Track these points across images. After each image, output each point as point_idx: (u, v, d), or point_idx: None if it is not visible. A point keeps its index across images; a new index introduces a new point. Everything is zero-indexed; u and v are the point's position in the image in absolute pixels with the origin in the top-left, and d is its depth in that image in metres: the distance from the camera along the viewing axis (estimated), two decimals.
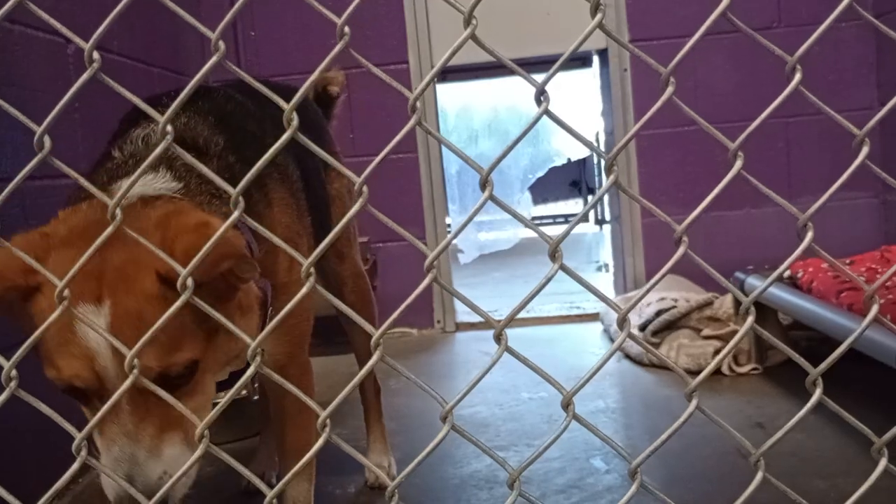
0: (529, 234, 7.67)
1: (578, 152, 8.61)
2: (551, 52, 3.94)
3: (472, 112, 8.54)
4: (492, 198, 0.80)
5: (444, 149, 4.31)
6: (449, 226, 4.65)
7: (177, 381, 1.08)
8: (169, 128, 0.78)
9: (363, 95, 3.99)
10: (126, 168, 1.35)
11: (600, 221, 7.30)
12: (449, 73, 4.84)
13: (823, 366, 0.80)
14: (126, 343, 0.89)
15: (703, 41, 0.80)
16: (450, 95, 7.77)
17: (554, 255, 0.79)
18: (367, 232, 4.00)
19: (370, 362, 0.78)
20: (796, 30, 3.87)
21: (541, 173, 8.54)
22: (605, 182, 0.80)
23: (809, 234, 0.79)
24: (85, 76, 0.77)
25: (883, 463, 0.81)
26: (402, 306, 0.80)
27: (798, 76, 0.78)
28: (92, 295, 1.04)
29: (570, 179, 9.20)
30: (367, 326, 0.84)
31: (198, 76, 0.77)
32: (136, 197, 1.21)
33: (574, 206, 9.28)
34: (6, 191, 0.82)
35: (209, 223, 1.10)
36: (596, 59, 4.36)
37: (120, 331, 1.02)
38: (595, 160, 7.18)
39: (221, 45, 0.77)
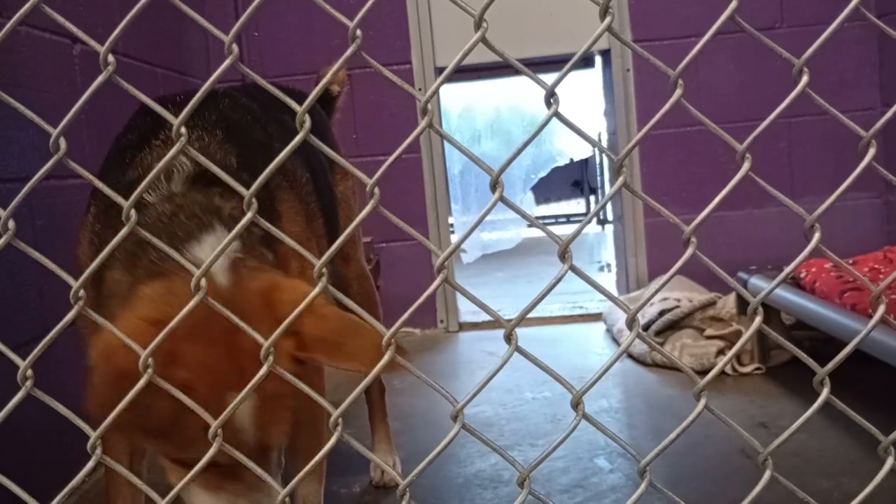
0: (532, 233, 7.68)
1: (581, 152, 8.61)
2: (554, 53, 3.95)
3: (474, 112, 8.54)
4: (502, 199, 0.81)
5: (447, 149, 4.32)
6: (451, 226, 4.65)
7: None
8: (183, 130, 0.79)
9: (367, 96, 4.00)
10: (177, 222, 1.26)
11: (602, 221, 7.31)
12: (452, 74, 4.84)
13: (831, 365, 0.80)
14: (271, 423, 1.10)
15: (709, 42, 0.80)
16: (453, 96, 7.77)
17: (563, 255, 0.80)
18: (371, 232, 4.01)
19: (382, 361, 0.79)
20: (799, 30, 3.87)
21: (543, 173, 8.55)
22: (614, 183, 0.81)
23: (817, 235, 0.80)
24: (100, 79, 0.78)
25: (890, 462, 0.82)
26: (413, 306, 0.81)
27: (805, 78, 0.79)
28: (234, 382, 1.05)
29: (573, 179, 9.20)
30: (379, 326, 0.85)
31: (211, 79, 0.77)
32: (226, 268, 1.17)
33: (576, 206, 9.28)
34: (21, 193, 0.83)
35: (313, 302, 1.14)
36: (599, 59, 4.37)
37: (264, 413, 1.11)
38: (598, 160, 7.19)
39: (235, 48, 0.78)
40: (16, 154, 2.16)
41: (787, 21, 3.93)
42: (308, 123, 0.78)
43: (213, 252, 1.19)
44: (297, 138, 0.79)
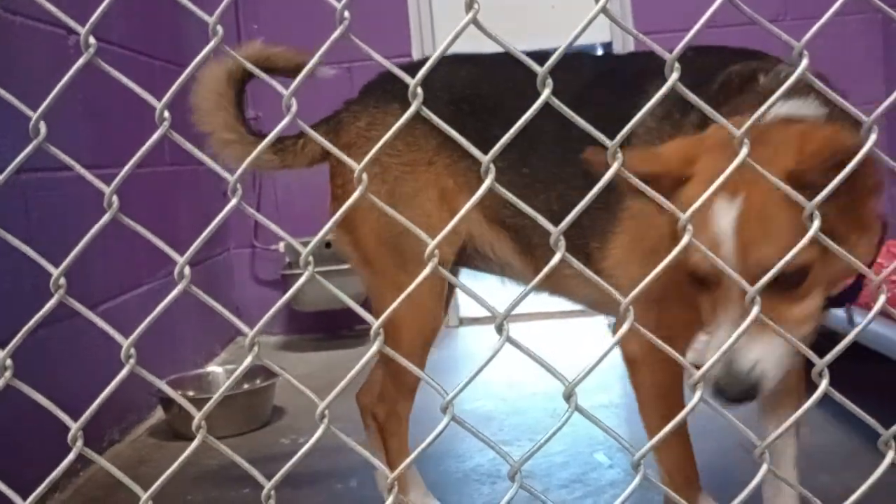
0: None
1: None
2: (555, 46, 3.92)
3: None
4: (493, 186, 0.79)
5: None
6: None
7: (786, 284, 1.13)
8: (166, 114, 0.77)
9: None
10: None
11: None
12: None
13: (830, 356, 0.79)
14: (750, 236, 1.10)
15: (711, 34, 0.79)
16: None
17: (556, 243, 0.78)
18: None
19: (370, 352, 0.77)
20: (803, 22, 3.83)
21: None
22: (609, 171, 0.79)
23: (815, 223, 0.78)
24: (81, 61, 0.76)
25: (890, 455, 0.80)
26: (403, 294, 0.79)
27: (805, 62, 0.77)
28: (730, 189, 1.11)
29: None
30: (368, 317, 0.83)
31: (196, 60, 0.76)
32: (778, 117, 1.25)
33: None
34: (1, 178, 0.81)
35: (839, 131, 1.16)
36: (600, 52, 4.34)
37: (746, 224, 1.13)
38: None
39: (220, 29, 0.76)
40: (8, 146, 2.14)
41: (791, 13, 3.91)
42: (294, 107, 0.76)
43: (783, 109, 1.26)
44: (285, 121, 0.77)
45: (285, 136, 1.92)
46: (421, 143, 1.79)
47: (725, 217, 1.12)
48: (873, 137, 0.77)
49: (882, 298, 0.79)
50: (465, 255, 1.89)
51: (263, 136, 1.91)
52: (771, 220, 1.11)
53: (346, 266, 3.83)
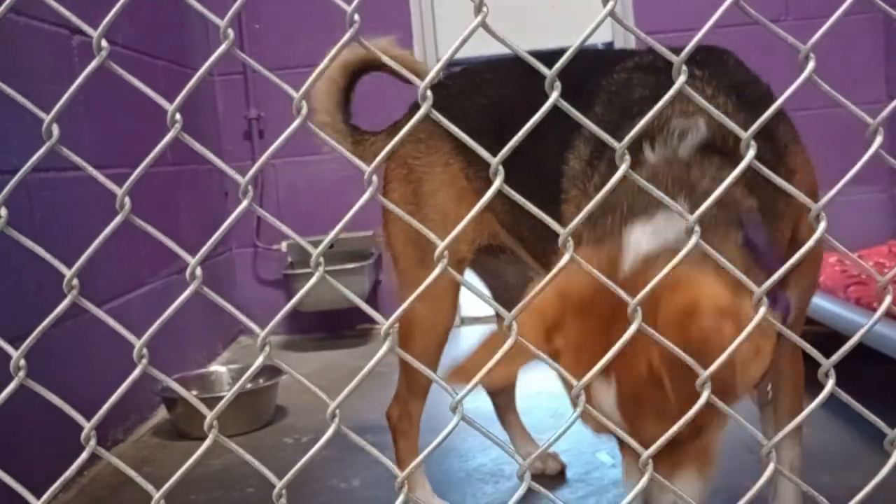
0: None
1: None
2: (555, 46, 3.93)
3: None
4: (502, 188, 0.79)
5: None
6: None
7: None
8: (178, 116, 0.78)
9: (365, 87, 3.97)
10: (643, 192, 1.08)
11: None
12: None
13: (836, 357, 0.79)
14: (633, 416, 1.08)
15: (712, 35, 0.79)
16: None
17: (565, 244, 0.79)
18: (371, 224, 3.99)
19: (380, 352, 0.78)
20: (805, 23, 3.84)
21: None
22: (618, 171, 0.79)
23: (822, 224, 0.78)
24: (94, 63, 0.76)
25: None
26: (413, 295, 0.79)
27: (811, 64, 0.77)
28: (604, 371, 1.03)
29: None
30: (377, 316, 0.84)
31: (206, 64, 0.76)
32: (640, 257, 1.12)
33: None
34: (13, 181, 0.82)
35: (695, 311, 1.01)
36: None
37: (627, 407, 1.10)
38: None
39: (230, 32, 0.76)
40: (15, 147, 2.15)
41: (793, 14, 3.91)
42: (304, 110, 0.77)
43: (645, 238, 1.11)
44: (296, 123, 0.78)
45: (365, 130, 2.06)
46: (438, 145, 1.88)
47: (606, 398, 1.10)
48: (879, 140, 0.77)
49: (888, 299, 0.80)
50: (498, 250, 1.91)
51: (352, 128, 2.06)
52: (647, 402, 1.07)
53: (348, 266, 3.86)
